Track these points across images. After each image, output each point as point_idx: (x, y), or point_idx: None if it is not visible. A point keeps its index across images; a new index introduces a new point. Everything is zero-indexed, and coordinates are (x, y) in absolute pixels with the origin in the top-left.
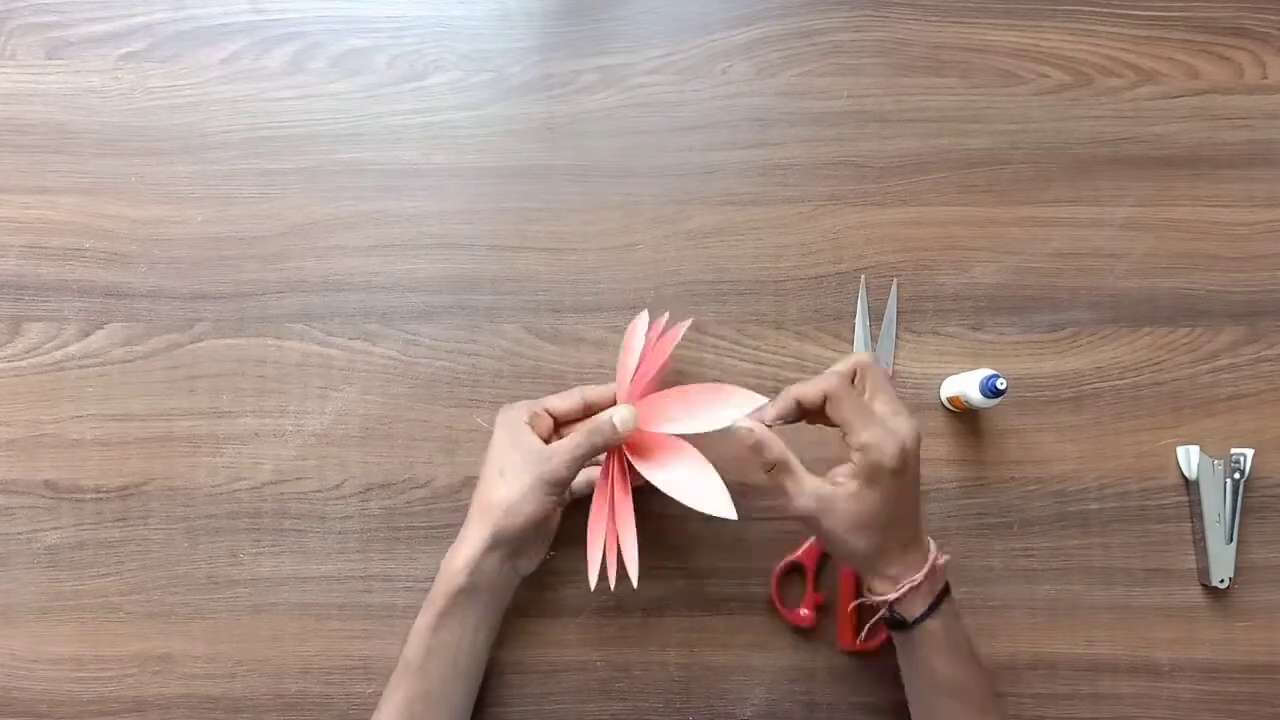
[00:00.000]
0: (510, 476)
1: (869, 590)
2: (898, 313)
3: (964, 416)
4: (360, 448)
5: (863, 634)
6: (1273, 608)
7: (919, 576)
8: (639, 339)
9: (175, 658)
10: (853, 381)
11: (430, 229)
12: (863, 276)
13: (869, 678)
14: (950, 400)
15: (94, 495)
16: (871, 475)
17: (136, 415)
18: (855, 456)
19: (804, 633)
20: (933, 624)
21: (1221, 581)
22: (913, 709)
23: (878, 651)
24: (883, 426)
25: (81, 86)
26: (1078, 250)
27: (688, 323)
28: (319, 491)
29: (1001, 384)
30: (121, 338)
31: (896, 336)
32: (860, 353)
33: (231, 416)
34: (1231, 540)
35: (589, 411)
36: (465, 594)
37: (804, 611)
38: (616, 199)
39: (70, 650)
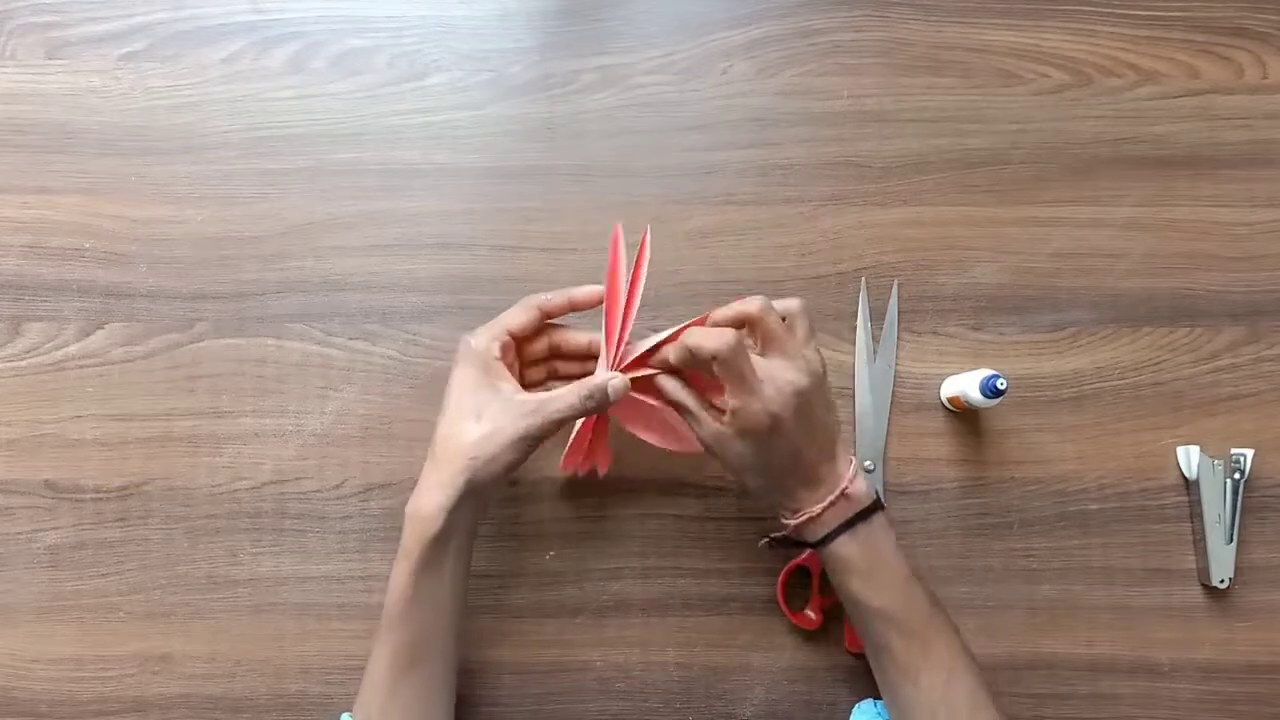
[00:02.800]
0: (488, 423)
1: (780, 517)
2: (898, 313)
3: (964, 416)
4: (360, 448)
5: (772, 535)
6: (1273, 608)
7: (818, 509)
8: (622, 260)
9: (175, 658)
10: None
11: (430, 229)
12: (863, 277)
13: (870, 678)
14: (950, 400)
15: (94, 495)
16: (741, 433)
17: (136, 415)
18: (728, 416)
19: (804, 633)
20: (842, 548)
21: (1221, 581)
22: (856, 631)
23: None
24: (755, 392)
25: (81, 86)
26: (1078, 250)
27: (647, 233)
28: (319, 491)
29: (1002, 384)
30: (121, 338)
31: (898, 337)
32: (751, 299)
33: (231, 416)
34: (1231, 540)
35: (545, 317)
36: (441, 541)
37: (810, 614)
38: (616, 199)
39: (70, 650)
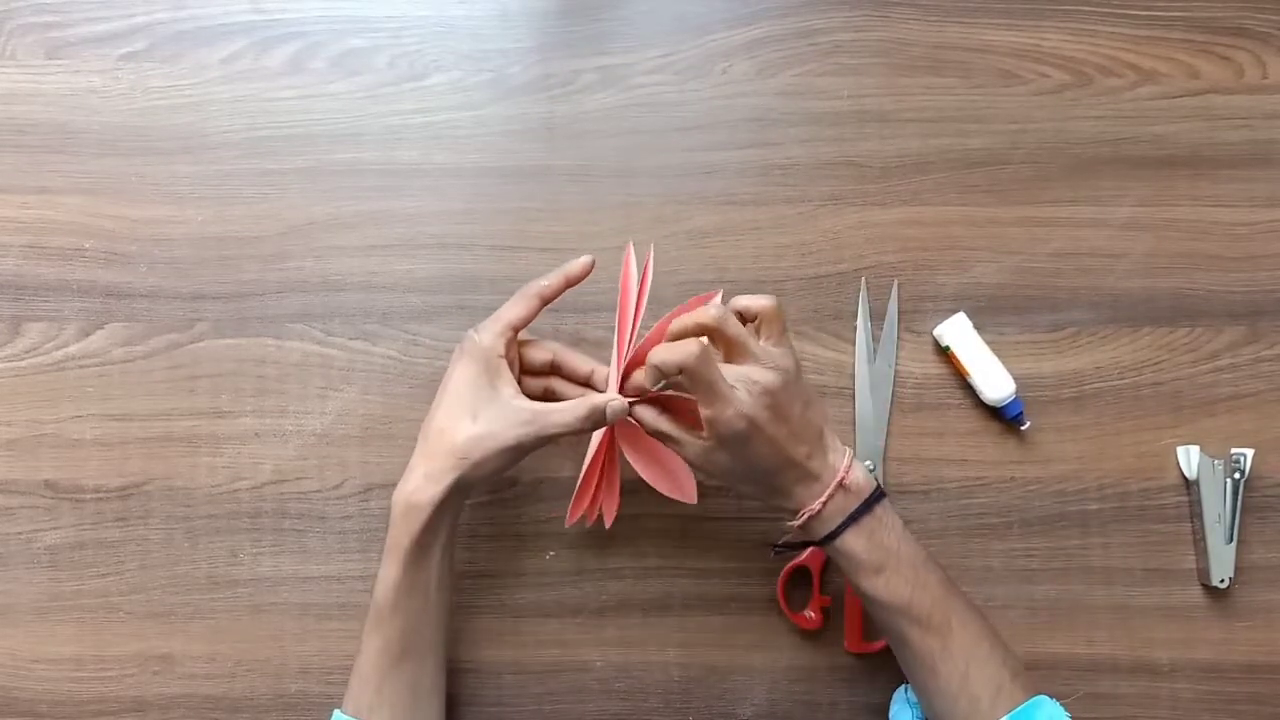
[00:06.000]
0: (482, 425)
1: (784, 521)
2: (898, 313)
3: (964, 417)
4: (360, 448)
5: (781, 540)
6: (1273, 608)
7: (817, 504)
8: (634, 279)
9: (175, 658)
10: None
11: (430, 229)
12: (863, 277)
13: (870, 678)
14: (948, 352)
15: (94, 495)
16: (721, 443)
17: (136, 415)
18: (705, 429)
19: (804, 633)
20: (849, 543)
21: (1221, 581)
22: (875, 623)
23: (880, 652)
24: (727, 399)
25: (81, 86)
26: (1078, 250)
27: (650, 253)
28: (319, 491)
29: (1023, 418)
30: (121, 338)
31: (898, 336)
32: (705, 310)
33: (231, 416)
34: (1231, 540)
35: (545, 304)
36: (429, 533)
37: (810, 614)
38: (616, 199)
39: (70, 650)
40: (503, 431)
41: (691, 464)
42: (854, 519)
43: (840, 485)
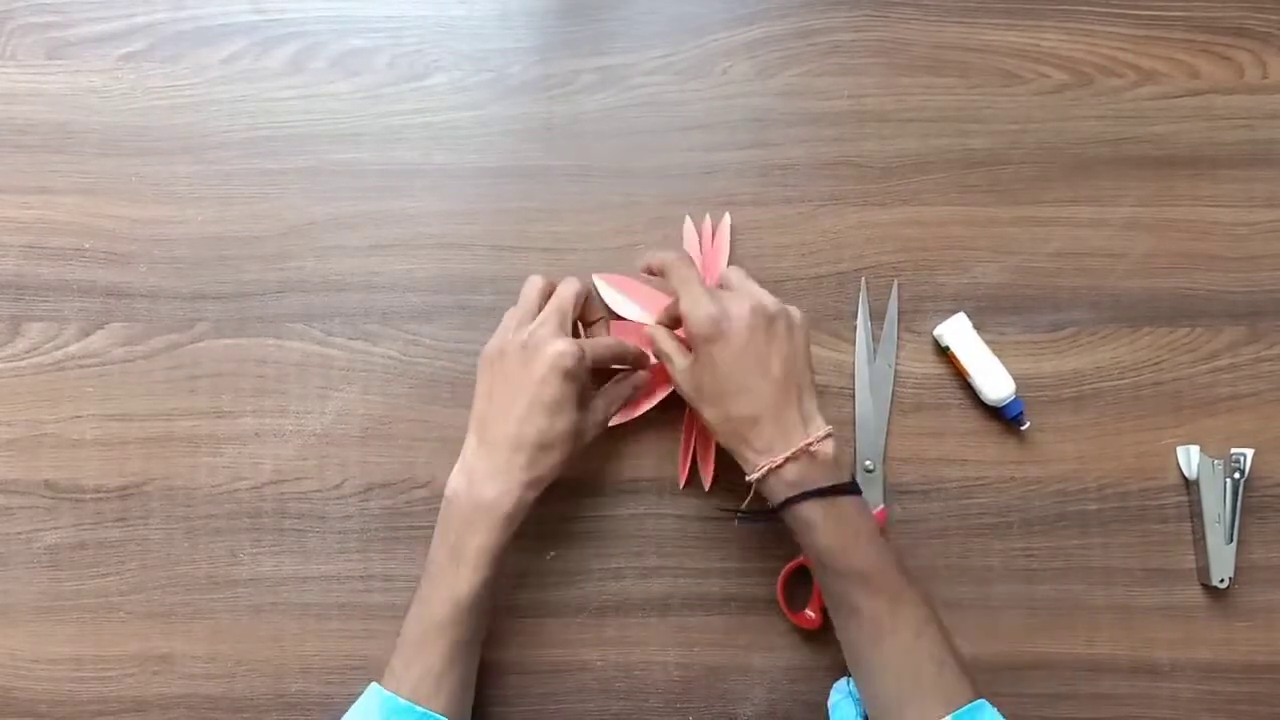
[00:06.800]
0: (576, 439)
1: (745, 475)
2: (898, 313)
3: (964, 417)
4: (360, 448)
5: (744, 505)
6: (1273, 608)
7: (779, 459)
8: (694, 246)
9: (175, 658)
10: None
11: (430, 229)
12: (863, 277)
13: None
14: (949, 352)
15: (94, 495)
16: (693, 344)
17: (136, 415)
18: (684, 328)
19: (804, 633)
20: (807, 510)
21: (1221, 581)
22: (823, 596)
23: None
24: (704, 298)
25: (81, 86)
26: (1078, 250)
27: (726, 220)
28: (319, 491)
29: (1023, 418)
30: (121, 338)
31: (898, 336)
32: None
33: (231, 416)
34: (1231, 540)
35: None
36: (510, 527)
37: (809, 614)
38: (616, 199)
39: (70, 650)
40: (587, 435)
41: (678, 384)
42: (818, 494)
43: (806, 450)
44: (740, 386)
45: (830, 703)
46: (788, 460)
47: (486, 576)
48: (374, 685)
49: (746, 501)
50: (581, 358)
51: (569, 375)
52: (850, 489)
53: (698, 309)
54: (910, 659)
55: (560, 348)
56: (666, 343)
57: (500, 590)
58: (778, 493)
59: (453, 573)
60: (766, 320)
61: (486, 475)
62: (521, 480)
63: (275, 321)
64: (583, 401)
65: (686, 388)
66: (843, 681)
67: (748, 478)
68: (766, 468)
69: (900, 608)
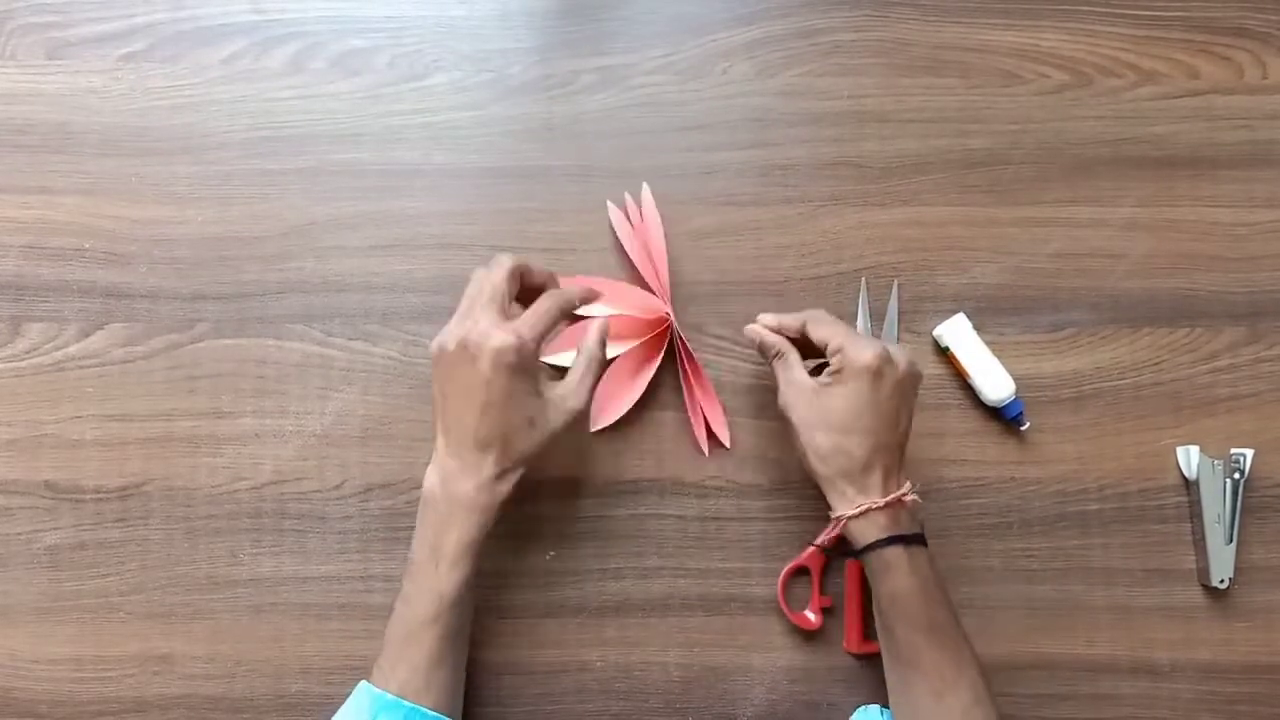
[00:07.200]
0: (540, 427)
1: (830, 511)
2: (898, 313)
3: (964, 417)
4: (360, 448)
5: (821, 539)
6: (1273, 608)
7: (880, 502)
8: (624, 227)
9: (175, 658)
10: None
11: (430, 229)
12: (863, 277)
13: (870, 678)
14: (948, 352)
15: (94, 495)
16: (847, 373)
17: (136, 415)
18: (834, 359)
19: (805, 633)
20: (891, 553)
21: (1221, 582)
22: (884, 657)
23: (880, 653)
24: (866, 338)
25: (81, 86)
26: (1078, 250)
27: (645, 190)
28: (319, 491)
29: (1023, 419)
30: (121, 338)
31: (898, 337)
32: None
33: (231, 417)
34: (1231, 540)
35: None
36: (487, 520)
37: (810, 614)
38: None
39: (70, 650)
40: (555, 420)
41: (783, 395)
42: (902, 540)
43: (900, 499)
44: (870, 427)
45: None
46: (886, 505)
47: (467, 571)
48: (363, 683)
49: (824, 536)
50: (522, 346)
51: (514, 368)
52: (922, 540)
53: (864, 342)
54: (945, 681)
55: (496, 343)
56: (792, 352)
57: (500, 591)
58: (868, 535)
59: (433, 569)
60: (913, 377)
61: (458, 472)
62: (492, 475)
63: (275, 322)
64: (541, 379)
65: (801, 405)
66: (874, 709)
67: (843, 513)
68: (867, 508)
69: (963, 669)
